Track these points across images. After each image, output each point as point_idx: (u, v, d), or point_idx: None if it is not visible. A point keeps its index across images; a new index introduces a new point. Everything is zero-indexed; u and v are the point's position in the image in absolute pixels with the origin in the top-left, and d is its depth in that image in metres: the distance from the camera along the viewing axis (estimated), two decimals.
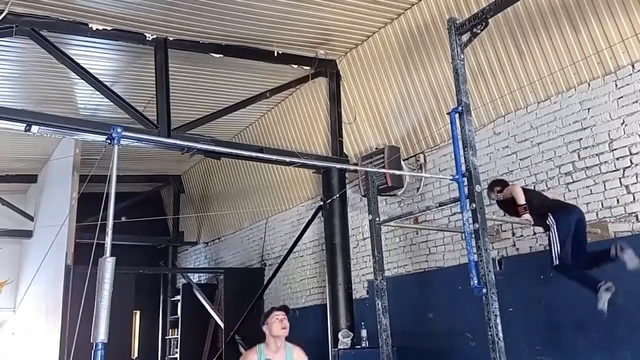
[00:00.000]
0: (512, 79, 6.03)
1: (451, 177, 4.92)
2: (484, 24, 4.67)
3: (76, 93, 7.96)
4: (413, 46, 6.84)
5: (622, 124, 5.14)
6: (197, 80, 7.97)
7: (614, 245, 4.46)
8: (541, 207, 4.91)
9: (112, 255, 3.03)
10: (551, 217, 4.79)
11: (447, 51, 5.08)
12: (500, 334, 4.12)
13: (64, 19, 6.17)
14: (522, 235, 5.89)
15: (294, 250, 9.14)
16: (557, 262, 4.61)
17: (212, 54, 7.12)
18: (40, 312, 9.07)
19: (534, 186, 5.73)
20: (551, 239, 4.73)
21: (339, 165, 7.58)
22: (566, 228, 4.69)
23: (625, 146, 5.09)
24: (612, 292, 4.32)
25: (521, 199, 4.92)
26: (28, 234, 10.58)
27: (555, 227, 4.72)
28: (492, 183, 5.42)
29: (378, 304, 5.23)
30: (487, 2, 5.04)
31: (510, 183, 5.42)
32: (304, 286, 9.14)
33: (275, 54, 7.31)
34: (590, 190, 5.34)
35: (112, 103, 6.60)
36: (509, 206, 5.14)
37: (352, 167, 7.78)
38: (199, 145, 6.37)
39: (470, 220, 4.39)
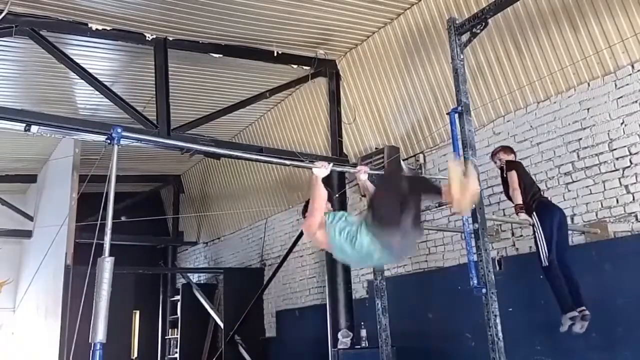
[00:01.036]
0: (512, 79, 6.03)
1: None
2: (483, 24, 4.68)
3: (76, 93, 7.96)
4: (413, 46, 6.84)
5: (621, 124, 5.14)
6: (196, 80, 7.97)
7: (584, 310, 4.48)
8: (528, 201, 4.91)
9: (111, 255, 3.03)
10: (535, 216, 4.80)
11: (447, 51, 5.09)
12: (500, 334, 4.12)
13: (64, 19, 6.17)
14: (521, 235, 5.89)
15: (294, 250, 9.14)
16: (547, 263, 4.62)
17: (211, 54, 7.12)
18: (40, 312, 9.06)
19: None
20: (537, 239, 4.74)
21: (339, 169, 7.55)
22: (549, 227, 4.70)
23: (625, 146, 5.10)
24: (582, 321, 4.45)
25: (517, 197, 4.91)
26: (28, 234, 10.56)
27: (539, 228, 4.73)
28: (494, 150, 5.46)
29: (378, 303, 5.24)
30: (487, 2, 5.04)
31: (511, 157, 5.35)
32: (304, 286, 9.14)
33: (275, 54, 7.30)
34: (590, 190, 5.35)
35: (111, 103, 6.60)
36: (506, 186, 5.16)
37: (351, 170, 7.75)
38: (198, 147, 6.36)
39: (470, 220, 4.40)
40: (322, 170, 3.82)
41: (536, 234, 4.76)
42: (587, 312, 4.49)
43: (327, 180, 4.22)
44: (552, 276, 4.62)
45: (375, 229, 3.29)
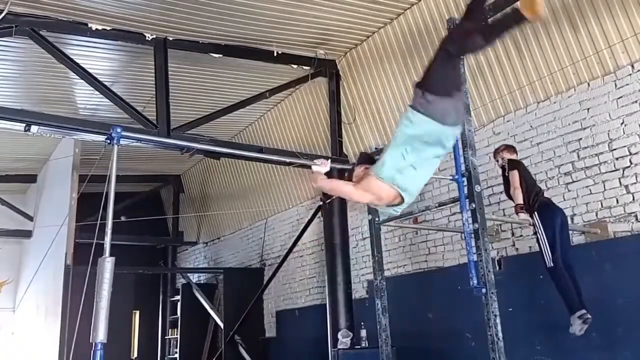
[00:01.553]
0: (512, 79, 6.03)
1: (451, 177, 4.92)
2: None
3: (76, 93, 7.96)
4: (413, 46, 6.84)
5: (621, 124, 5.14)
6: (196, 80, 7.97)
7: (585, 312, 4.49)
8: (529, 201, 4.91)
9: (111, 255, 3.03)
10: (536, 216, 4.80)
11: None
12: (500, 334, 4.12)
13: (64, 19, 6.17)
14: (521, 235, 5.89)
15: (294, 250, 9.14)
16: (552, 264, 4.61)
17: (211, 54, 7.11)
18: (40, 312, 9.06)
19: None
20: (540, 240, 4.74)
21: (339, 166, 7.56)
22: (551, 228, 4.70)
23: (625, 146, 5.10)
24: (583, 324, 4.46)
25: (518, 196, 4.91)
26: (27, 234, 10.56)
27: (541, 228, 4.72)
28: (497, 148, 5.44)
29: (377, 303, 5.24)
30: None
31: (514, 156, 5.33)
32: (304, 286, 9.14)
33: (275, 54, 7.30)
34: (590, 190, 5.35)
35: (111, 103, 6.59)
36: (507, 185, 5.15)
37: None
38: (198, 146, 6.37)
39: (470, 220, 4.40)
40: (321, 167, 3.81)
41: (538, 234, 4.76)
42: (588, 316, 4.49)
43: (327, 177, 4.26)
44: (557, 277, 4.62)
45: (430, 103, 3.06)
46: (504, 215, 5.93)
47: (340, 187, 3.47)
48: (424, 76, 3.26)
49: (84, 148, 8.52)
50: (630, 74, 5.11)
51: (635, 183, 5.01)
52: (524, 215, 4.87)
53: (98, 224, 3.34)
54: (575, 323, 4.49)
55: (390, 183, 3.18)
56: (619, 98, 5.18)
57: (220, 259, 11.90)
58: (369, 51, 7.44)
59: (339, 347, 7.19)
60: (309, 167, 8.26)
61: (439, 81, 3.13)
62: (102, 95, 6.55)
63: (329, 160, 3.89)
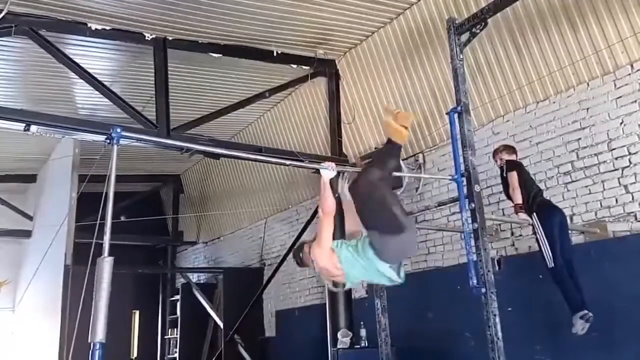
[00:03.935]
0: (511, 79, 6.03)
1: (450, 177, 4.93)
2: (483, 24, 4.68)
3: (75, 93, 7.96)
4: (412, 46, 6.84)
5: (620, 123, 5.15)
6: (196, 80, 7.96)
7: (587, 312, 4.49)
8: (528, 202, 4.91)
9: (110, 255, 3.03)
10: (535, 217, 4.80)
11: (447, 51, 5.09)
12: (500, 334, 4.12)
13: (63, 18, 6.17)
14: (521, 235, 5.90)
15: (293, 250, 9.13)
16: (553, 265, 4.62)
17: (211, 53, 7.12)
18: (40, 312, 9.06)
19: None
20: (540, 241, 4.74)
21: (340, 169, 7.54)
22: (550, 228, 4.70)
23: (624, 146, 5.10)
24: (585, 324, 4.47)
25: (517, 197, 4.91)
26: (27, 233, 10.56)
27: (540, 229, 4.72)
28: (497, 149, 5.44)
29: (377, 303, 5.24)
30: (487, 2, 5.04)
31: (513, 157, 5.32)
32: (303, 286, 9.14)
33: (275, 54, 7.30)
34: (589, 190, 5.35)
35: (111, 103, 6.59)
36: (506, 186, 5.15)
37: (350, 169, 7.75)
38: (197, 147, 6.36)
39: (469, 220, 4.40)
40: (330, 171, 3.84)
41: (538, 235, 4.76)
42: (590, 315, 4.49)
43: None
44: (559, 277, 4.62)
45: (378, 243, 3.46)
46: (504, 215, 5.93)
47: (327, 228, 3.72)
48: (369, 225, 3.59)
49: (83, 148, 8.52)
50: (629, 74, 5.11)
51: (634, 183, 5.02)
52: (523, 215, 4.87)
53: (98, 224, 3.34)
54: (577, 323, 4.50)
55: (344, 264, 3.58)
56: (618, 98, 5.19)
57: (220, 258, 11.89)
58: (369, 51, 7.44)
59: (338, 346, 7.19)
60: (307, 167, 8.23)
61: (385, 224, 3.47)
62: (101, 95, 6.54)
63: (333, 165, 3.93)
